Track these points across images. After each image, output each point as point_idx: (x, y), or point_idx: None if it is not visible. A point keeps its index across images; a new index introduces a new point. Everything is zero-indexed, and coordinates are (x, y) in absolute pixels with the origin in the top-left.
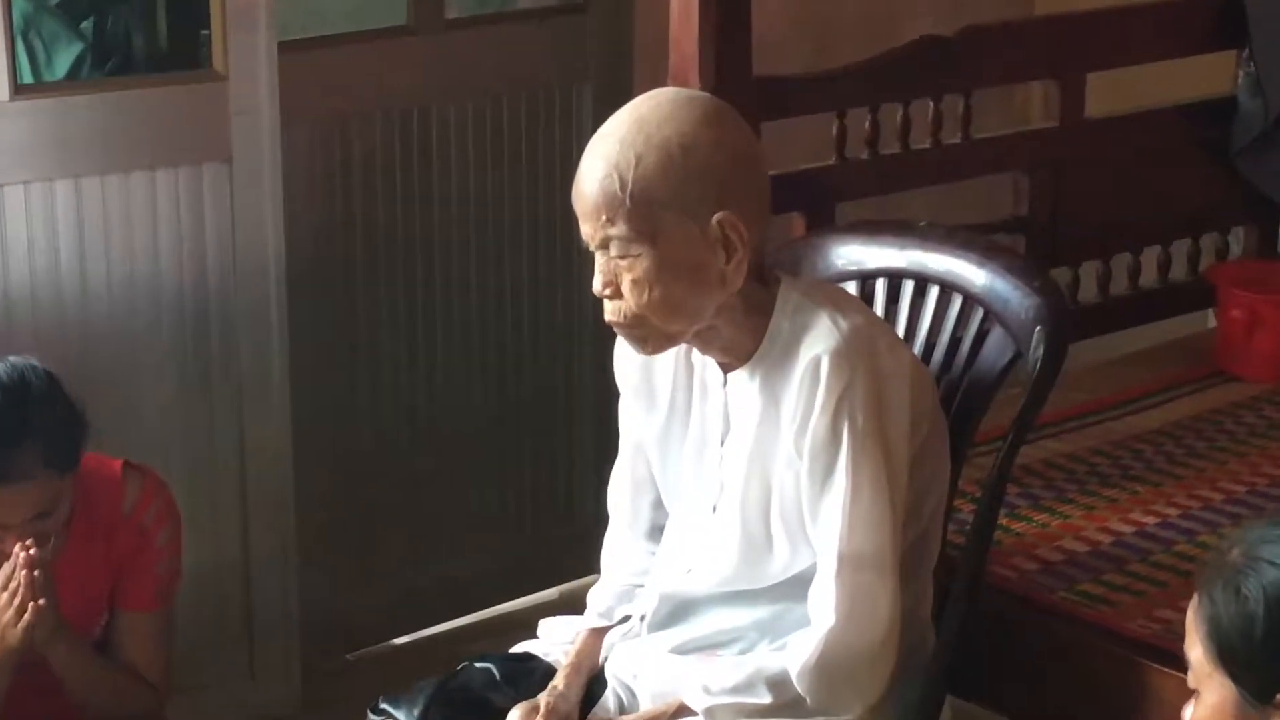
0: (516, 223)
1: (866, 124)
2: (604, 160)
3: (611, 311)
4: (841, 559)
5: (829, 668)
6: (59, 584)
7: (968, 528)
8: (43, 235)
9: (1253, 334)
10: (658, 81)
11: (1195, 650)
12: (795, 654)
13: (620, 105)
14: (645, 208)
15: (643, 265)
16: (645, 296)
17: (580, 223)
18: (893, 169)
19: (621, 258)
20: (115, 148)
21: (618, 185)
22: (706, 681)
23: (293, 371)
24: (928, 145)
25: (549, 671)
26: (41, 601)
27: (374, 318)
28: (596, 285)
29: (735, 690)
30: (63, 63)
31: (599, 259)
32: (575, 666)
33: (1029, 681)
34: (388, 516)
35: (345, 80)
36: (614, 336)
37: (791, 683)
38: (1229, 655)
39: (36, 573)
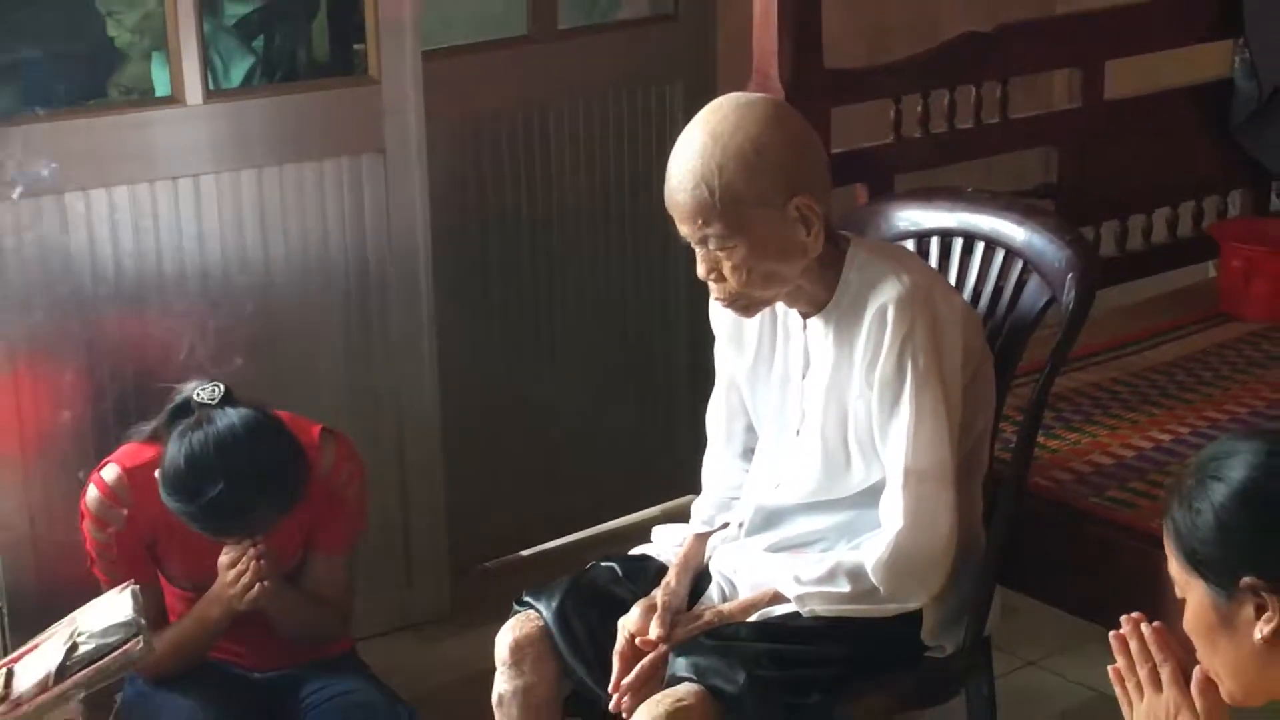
0: (620, 201)
1: (919, 108)
2: (691, 174)
3: (718, 292)
4: (907, 473)
5: (898, 563)
6: (274, 538)
7: (1011, 446)
8: (231, 217)
9: (1250, 280)
10: (739, 77)
11: (1173, 564)
12: (870, 551)
13: (707, 99)
14: (734, 208)
15: (739, 254)
16: (745, 277)
17: (678, 225)
18: (941, 145)
19: (720, 249)
20: (288, 143)
21: (707, 193)
22: (797, 573)
23: (438, 328)
24: (970, 125)
25: (661, 569)
26: (267, 583)
27: (506, 281)
28: (701, 272)
29: (820, 580)
30: (238, 73)
31: (700, 251)
32: (683, 565)
33: (1065, 574)
34: (521, 447)
35: (476, 83)
36: (702, 294)
37: (867, 574)
38: (1195, 561)
39: (264, 584)
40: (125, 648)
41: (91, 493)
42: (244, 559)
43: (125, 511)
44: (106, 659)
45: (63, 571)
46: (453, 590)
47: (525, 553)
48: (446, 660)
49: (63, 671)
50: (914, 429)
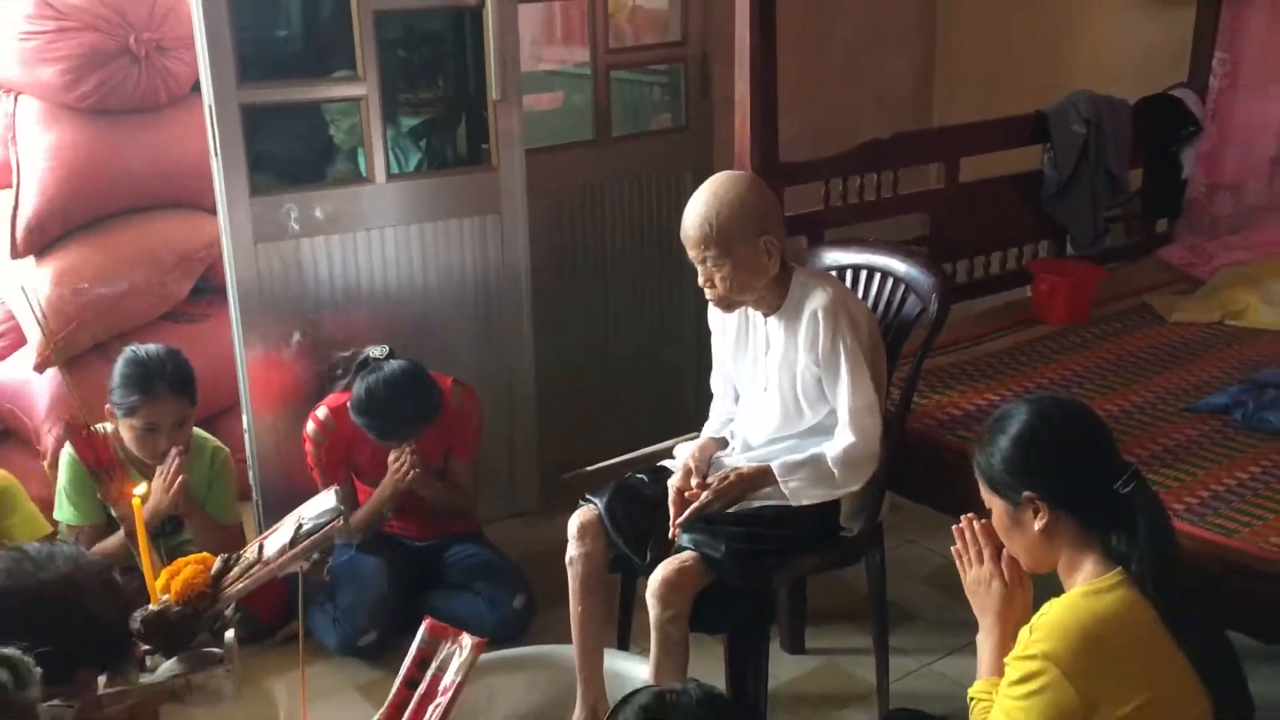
0: (651, 245)
1: (841, 187)
2: (699, 216)
3: (711, 295)
4: (852, 410)
5: (850, 461)
6: (422, 444)
7: (896, 402)
8: (404, 254)
9: (1052, 297)
10: (726, 166)
11: (981, 488)
12: (830, 451)
13: (704, 180)
14: (725, 239)
15: (726, 269)
16: (729, 285)
17: (688, 250)
18: (854, 211)
19: (714, 266)
20: (439, 207)
21: (709, 229)
22: (784, 461)
23: (533, 321)
24: (874, 198)
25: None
26: (417, 472)
27: (576, 292)
28: (700, 281)
29: (799, 464)
30: (411, 162)
31: (700, 268)
32: (703, 448)
33: (929, 483)
34: (587, 396)
35: (559, 170)
36: (703, 305)
37: (829, 466)
38: (992, 485)
39: (415, 471)
40: (330, 526)
41: (310, 425)
42: (403, 455)
43: (329, 436)
44: (319, 534)
45: (293, 478)
46: (541, 491)
47: (589, 468)
48: (538, 537)
49: (294, 542)
50: (851, 383)
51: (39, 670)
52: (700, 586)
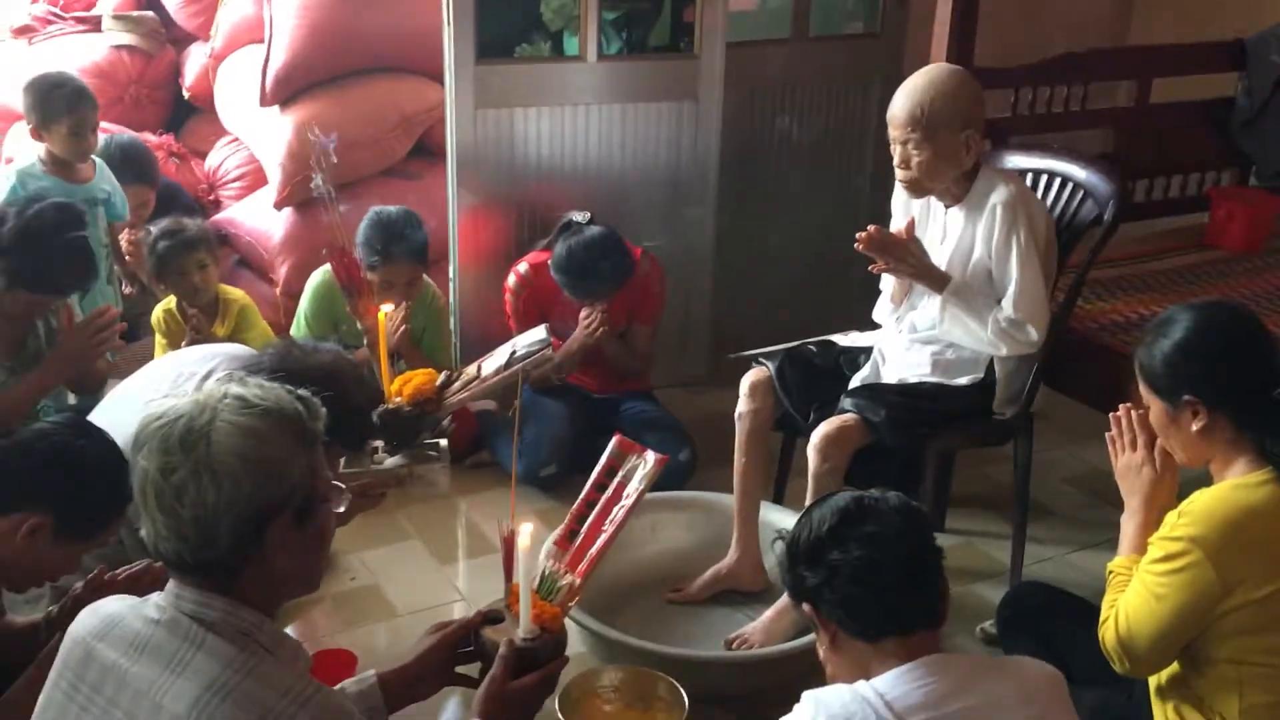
0: (832, 144)
1: (1031, 95)
2: (913, 100)
3: (903, 176)
4: (1019, 294)
5: (1009, 327)
6: (611, 306)
7: (1060, 303)
8: (605, 132)
9: (1229, 223)
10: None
11: (1141, 387)
12: (999, 309)
13: (893, 86)
14: (931, 125)
15: (925, 154)
16: (924, 170)
17: (890, 130)
18: (1042, 121)
19: (914, 150)
20: (642, 89)
21: (919, 112)
22: (957, 289)
23: (717, 205)
24: (1061, 110)
25: (844, 350)
26: (604, 329)
27: (761, 181)
28: (896, 162)
29: (970, 295)
30: (613, 47)
31: (899, 149)
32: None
33: (1083, 380)
34: (759, 279)
35: (757, 65)
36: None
37: (996, 320)
38: (1153, 386)
39: (604, 330)
40: (542, 351)
41: (511, 278)
42: (595, 314)
43: (528, 289)
44: (534, 356)
45: (489, 324)
46: (708, 364)
47: (752, 351)
48: (702, 405)
49: (510, 363)
50: (1021, 273)
51: (324, 410)
52: (858, 445)
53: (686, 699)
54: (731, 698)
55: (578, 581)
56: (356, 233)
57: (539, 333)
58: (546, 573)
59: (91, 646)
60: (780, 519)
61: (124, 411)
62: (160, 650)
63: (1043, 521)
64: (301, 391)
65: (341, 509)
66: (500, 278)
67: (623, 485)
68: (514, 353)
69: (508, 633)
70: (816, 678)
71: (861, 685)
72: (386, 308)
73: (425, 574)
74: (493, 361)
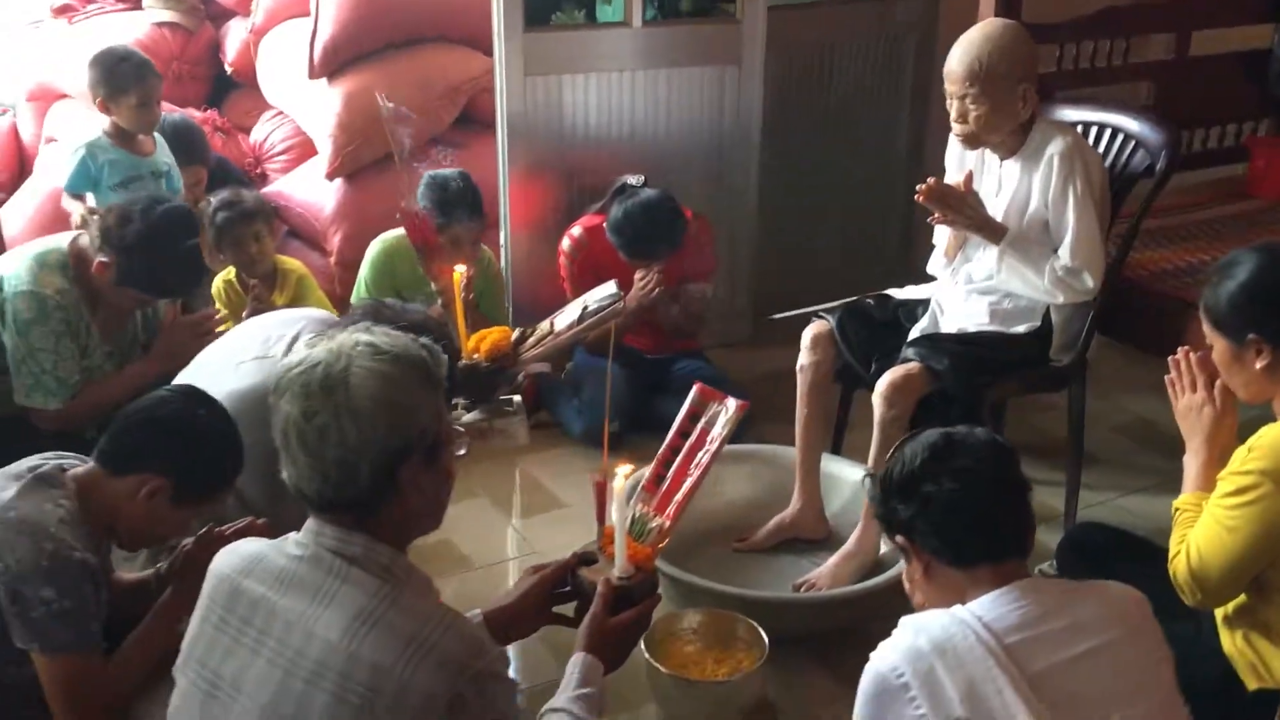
0: (865, 101)
1: (1075, 50)
2: (970, 55)
3: (960, 131)
4: (1076, 241)
5: (1066, 275)
6: (664, 268)
7: (1113, 252)
8: (650, 96)
9: (1268, 172)
10: (958, 33)
11: (1205, 327)
12: (1055, 257)
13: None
14: (989, 78)
15: (982, 108)
16: (981, 123)
17: (947, 85)
18: (1086, 76)
19: (972, 104)
20: (684, 54)
21: (977, 66)
22: (1012, 240)
23: (759, 166)
24: (1104, 65)
25: (899, 303)
26: (659, 290)
27: (800, 140)
28: (953, 116)
29: (1027, 245)
30: (648, 13)
31: (956, 104)
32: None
33: (1138, 326)
34: (799, 244)
35: (795, 28)
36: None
37: (1048, 263)
38: (1218, 325)
39: (659, 290)
40: (614, 305)
41: (565, 242)
42: (650, 275)
43: (583, 253)
44: (605, 310)
45: (539, 288)
46: (753, 326)
47: (793, 311)
48: (748, 364)
49: (582, 317)
50: (1077, 221)
51: (445, 358)
52: (921, 393)
53: (766, 639)
54: (803, 639)
55: (667, 524)
56: (415, 199)
57: (609, 287)
58: (636, 516)
59: (238, 583)
60: (840, 469)
61: (215, 375)
62: (305, 583)
63: (1092, 469)
64: (424, 340)
65: (462, 452)
66: (550, 243)
67: (706, 431)
68: (586, 308)
69: (603, 573)
70: (884, 620)
71: (959, 609)
72: (460, 268)
73: (494, 529)
74: (565, 317)
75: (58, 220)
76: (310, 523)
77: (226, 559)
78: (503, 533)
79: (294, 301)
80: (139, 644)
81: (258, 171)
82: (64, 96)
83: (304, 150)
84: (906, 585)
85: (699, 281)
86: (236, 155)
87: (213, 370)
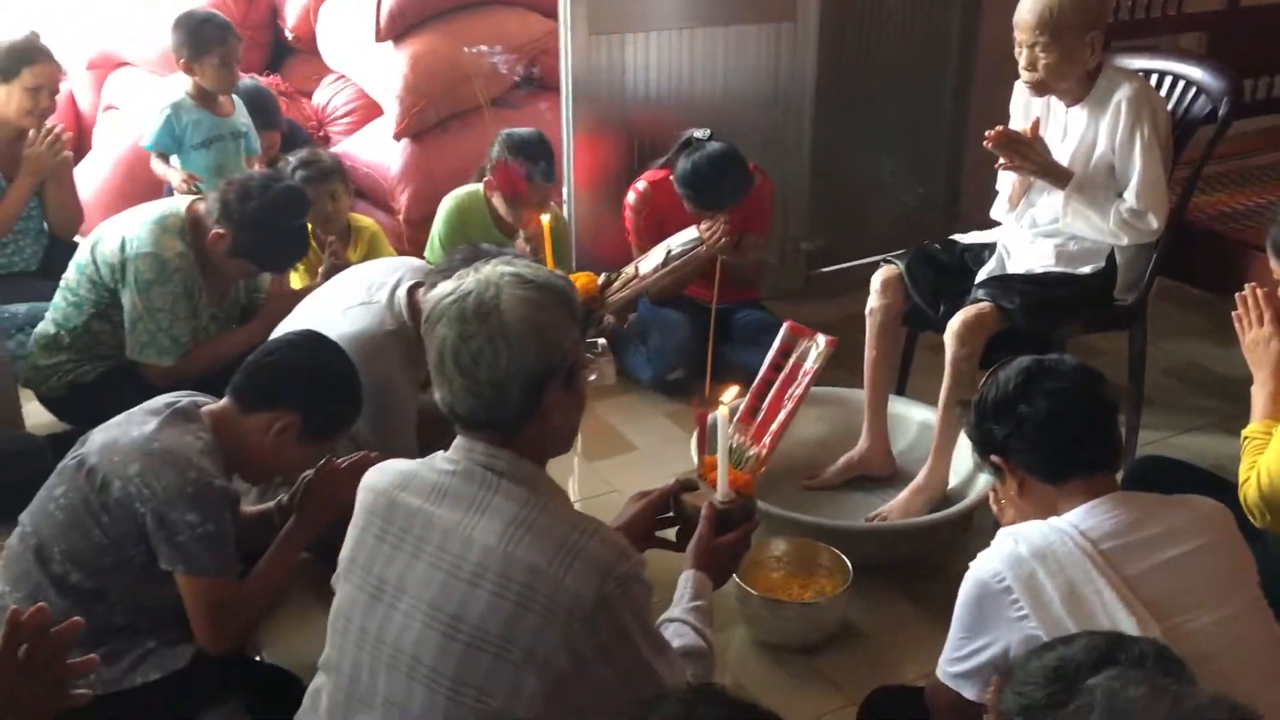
0: (917, 55)
1: (1130, 2)
2: (1039, 2)
3: (1028, 79)
4: (1142, 185)
5: (1131, 217)
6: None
7: (1177, 195)
8: (707, 52)
9: None
10: None
11: (1271, 261)
12: (1120, 201)
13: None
14: (1059, 27)
15: (1052, 56)
16: (1050, 71)
17: (1018, 33)
18: (1141, 26)
19: (1042, 52)
20: (743, 11)
21: (1048, 15)
22: (1079, 185)
23: (811, 122)
24: (1159, 15)
25: (967, 247)
26: (725, 239)
27: (854, 96)
28: (1022, 64)
29: (1093, 189)
30: None
31: (1025, 52)
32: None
33: (1200, 267)
34: (854, 198)
35: None
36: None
37: (1113, 206)
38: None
39: (724, 240)
40: (695, 250)
41: (631, 195)
42: (716, 225)
43: (648, 206)
44: (689, 254)
45: (601, 242)
46: (805, 280)
47: (844, 264)
48: (800, 314)
49: (666, 261)
50: (1144, 164)
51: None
52: (992, 332)
53: (850, 565)
54: (879, 568)
55: (764, 452)
56: (487, 155)
57: (691, 232)
58: (734, 445)
59: (394, 495)
60: (906, 409)
61: (325, 321)
62: (460, 495)
63: (1145, 410)
64: (559, 271)
65: (593, 378)
66: (611, 201)
67: (798, 365)
68: (670, 251)
69: (704, 499)
70: (954, 553)
71: (1055, 520)
72: (545, 216)
73: (574, 469)
74: (649, 262)
75: (130, 183)
76: (460, 440)
77: (379, 476)
78: (585, 472)
79: (368, 257)
80: (267, 570)
81: (321, 134)
82: (124, 65)
83: (366, 113)
84: (995, 507)
85: (759, 231)
86: (300, 119)
87: (322, 316)
